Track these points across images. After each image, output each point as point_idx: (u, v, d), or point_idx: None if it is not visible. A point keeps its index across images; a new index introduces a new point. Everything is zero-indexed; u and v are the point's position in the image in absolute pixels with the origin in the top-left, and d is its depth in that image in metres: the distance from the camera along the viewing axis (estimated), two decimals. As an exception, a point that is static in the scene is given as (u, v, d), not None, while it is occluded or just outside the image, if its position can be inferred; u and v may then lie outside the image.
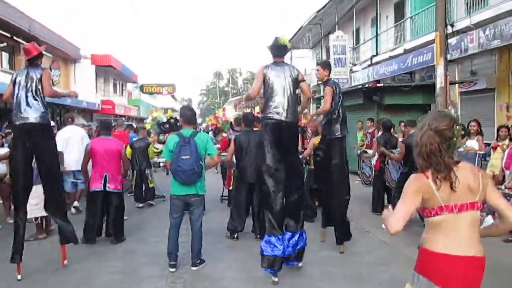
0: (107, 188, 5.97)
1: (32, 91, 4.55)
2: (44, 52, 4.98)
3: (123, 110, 28.81)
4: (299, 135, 7.35)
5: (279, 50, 4.76)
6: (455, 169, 2.15)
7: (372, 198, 8.01)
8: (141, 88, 36.28)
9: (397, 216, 2.17)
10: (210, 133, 19.18)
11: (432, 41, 10.72)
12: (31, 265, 4.94)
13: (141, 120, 28.82)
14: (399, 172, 7.42)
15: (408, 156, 6.53)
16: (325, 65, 5.74)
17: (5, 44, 16.72)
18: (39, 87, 4.58)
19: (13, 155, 4.71)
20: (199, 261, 4.98)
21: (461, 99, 12.14)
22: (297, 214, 4.76)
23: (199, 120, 76.25)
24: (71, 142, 7.67)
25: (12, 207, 7.26)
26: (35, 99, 4.56)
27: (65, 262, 5.02)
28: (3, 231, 6.72)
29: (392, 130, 8.32)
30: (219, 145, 8.85)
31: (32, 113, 4.52)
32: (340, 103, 5.39)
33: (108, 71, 27.83)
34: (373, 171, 8.89)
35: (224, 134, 10.35)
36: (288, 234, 4.67)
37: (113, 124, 10.00)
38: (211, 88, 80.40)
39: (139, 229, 6.90)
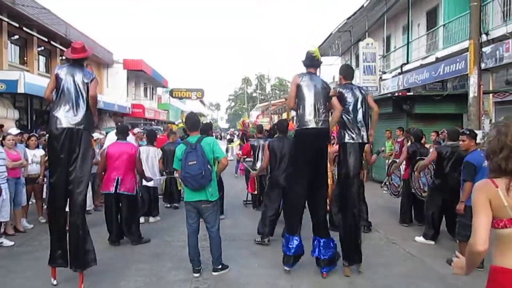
0: (118, 191, 6.12)
1: (80, 94, 4.42)
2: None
3: (153, 114, 29.37)
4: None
5: (312, 61, 4.99)
6: None
7: (400, 209, 7.82)
8: (171, 92, 36.89)
9: (480, 234, 2.00)
10: (235, 138, 19.35)
11: (466, 50, 10.45)
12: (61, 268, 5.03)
13: (170, 124, 29.25)
14: (428, 180, 7.21)
15: (439, 167, 6.38)
16: (339, 71, 5.59)
17: (42, 48, 17.39)
18: (86, 91, 4.45)
19: (52, 157, 4.52)
20: (220, 266, 4.97)
21: (495, 109, 11.74)
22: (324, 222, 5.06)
23: (226, 125, 77.27)
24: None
25: (45, 206, 7.58)
26: (83, 103, 4.43)
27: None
28: (35, 230, 6.98)
29: (423, 140, 8.14)
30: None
31: (78, 117, 4.38)
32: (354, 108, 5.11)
33: (139, 75, 28.48)
34: (402, 181, 8.70)
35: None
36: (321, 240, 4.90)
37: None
38: (239, 94, 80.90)
39: (167, 233, 7.00)
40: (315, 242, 4.93)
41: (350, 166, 4.91)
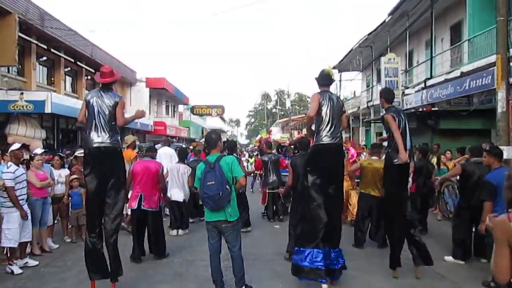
0: (142, 207, 6.36)
1: (105, 116, 4.74)
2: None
3: (174, 131, 29.71)
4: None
5: (326, 80, 5.29)
6: None
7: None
8: (192, 109, 37.32)
9: (500, 268, 2.03)
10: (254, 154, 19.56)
11: (492, 64, 10.22)
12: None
13: (191, 141, 29.51)
14: (455, 201, 7.10)
15: (465, 185, 6.28)
16: (380, 93, 5.83)
17: (69, 68, 17.89)
18: (113, 113, 4.77)
19: (87, 178, 4.77)
20: (244, 287, 4.86)
21: (524, 124, 11.41)
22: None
23: (245, 141, 77.55)
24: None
25: (70, 226, 7.67)
26: (109, 124, 4.75)
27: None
28: (60, 250, 7.04)
29: (428, 155, 8.66)
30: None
31: (105, 137, 4.71)
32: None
33: (161, 93, 28.94)
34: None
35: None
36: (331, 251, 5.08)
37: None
38: (259, 110, 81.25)
39: (189, 252, 6.96)
40: (332, 254, 5.08)
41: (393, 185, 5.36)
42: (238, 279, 4.82)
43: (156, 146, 10.80)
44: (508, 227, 1.98)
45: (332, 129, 5.02)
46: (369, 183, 7.16)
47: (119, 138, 4.88)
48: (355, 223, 7.60)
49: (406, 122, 5.34)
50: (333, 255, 5.07)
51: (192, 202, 9.23)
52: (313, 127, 5.28)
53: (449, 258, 6.30)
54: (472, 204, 5.94)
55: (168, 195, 7.84)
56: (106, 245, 4.82)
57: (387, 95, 5.61)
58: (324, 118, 5.04)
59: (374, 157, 7.43)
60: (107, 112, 4.75)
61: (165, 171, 7.54)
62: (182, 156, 8.73)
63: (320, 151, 5.11)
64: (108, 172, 4.76)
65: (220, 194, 4.48)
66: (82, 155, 8.29)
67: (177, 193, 8.17)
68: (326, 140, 5.01)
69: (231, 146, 8.60)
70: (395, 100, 16.73)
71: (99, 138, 4.70)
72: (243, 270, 4.85)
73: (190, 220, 9.22)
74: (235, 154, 8.57)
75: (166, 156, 9.60)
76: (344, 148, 6.19)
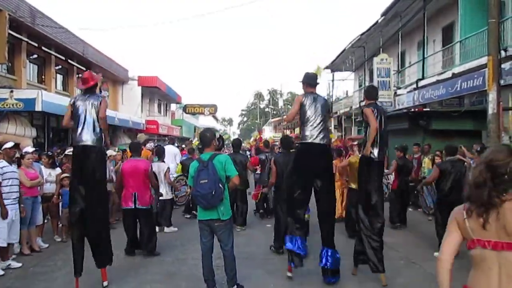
0: (136, 206, 6.47)
1: (91, 117, 4.97)
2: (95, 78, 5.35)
3: (167, 130, 29.54)
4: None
5: (310, 82, 5.44)
6: (501, 208, 1.97)
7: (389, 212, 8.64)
8: (184, 108, 37.14)
9: (443, 246, 2.23)
10: (247, 152, 19.66)
11: (483, 66, 10.30)
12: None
13: (184, 140, 29.40)
14: (434, 198, 7.99)
15: (442, 183, 6.72)
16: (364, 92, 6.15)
17: (60, 66, 17.72)
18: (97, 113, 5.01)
19: (72, 175, 5.10)
20: (235, 286, 4.87)
21: (514, 126, 11.51)
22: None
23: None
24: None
25: (60, 225, 7.60)
26: (94, 125, 4.97)
27: (105, 283, 5.12)
28: (50, 249, 6.97)
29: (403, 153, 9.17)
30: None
31: (89, 137, 4.92)
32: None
33: (153, 92, 28.77)
34: (389, 190, 9.92)
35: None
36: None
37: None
38: (252, 109, 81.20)
39: (181, 250, 6.95)
40: (323, 252, 5.19)
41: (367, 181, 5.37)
42: (230, 278, 4.83)
43: (148, 145, 10.79)
44: (461, 209, 2.13)
45: (316, 129, 5.14)
46: (356, 179, 7.25)
47: (103, 137, 5.10)
48: (346, 217, 8.16)
49: (384, 121, 5.39)
50: (330, 255, 5.14)
51: (189, 198, 9.37)
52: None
53: (437, 254, 6.34)
54: (449, 200, 6.26)
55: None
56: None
57: (367, 93, 5.82)
58: (308, 119, 5.19)
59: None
60: (93, 112, 4.97)
61: (170, 169, 8.04)
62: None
63: (303, 150, 5.30)
64: (92, 170, 4.95)
65: (213, 192, 4.47)
66: (69, 155, 8.26)
67: (162, 191, 8.12)
68: (309, 140, 5.15)
69: (237, 144, 9.02)
70: (387, 100, 16.98)
71: (85, 137, 4.91)
72: (235, 269, 4.85)
73: (187, 216, 9.49)
74: (241, 152, 9.31)
75: (169, 155, 9.51)
76: (333, 147, 6.36)
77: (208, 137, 4.90)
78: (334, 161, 8.67)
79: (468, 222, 2.06)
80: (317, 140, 5.14)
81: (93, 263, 5.10)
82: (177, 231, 8.40)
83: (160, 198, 7.96)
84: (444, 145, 10.44)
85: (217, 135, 6.94)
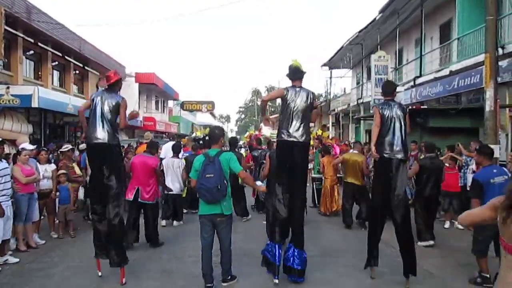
0: (139, 199, 6.71)
1: (106, 115, 5.08)
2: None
3: (164, 126, 29.50)
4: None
5: (294, 74, 5.26)
6: None
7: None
8: (182, 105, 37.09)
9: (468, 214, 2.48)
10: (242, 150, 19.82)
11: (481, 63, 10.32)
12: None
13: (181, 136, 29.35)
14: (413, 191, 8.38)
15: (420, 178, 7.22)
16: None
17: (56, 62, 17.63)
18: (114, 112, 5.14)
19: (89, 165, 5.52)
20: (229, 277, 5.05)
21: (511, 123, 11.53)
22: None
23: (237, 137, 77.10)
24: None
25: (57, 221, 7.59)
26: (108, 123, 5.08)
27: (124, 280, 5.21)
28: (47, 246, 6.94)
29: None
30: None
31: (104, 134, 5.04)
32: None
33: (150, 88, 28.71)
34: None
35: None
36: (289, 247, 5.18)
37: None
38: (249, 106, 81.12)
39: (178, 248, 6.93)
40: (290, 251, 5.13)
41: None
42: (225, 270, 5.03)
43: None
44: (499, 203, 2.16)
45: (294, 126, 5.08)
46: (351, 174, 8.41)
47: (118, 135, 5.22)
48: (342, 209, 8.71)
49: (398, 117, 5.12)
50: (296, 254, 5.08)
51: (190, 196, 9.54)
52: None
53: (421, 244, 6.78)
54: (426, 193, 7.04)
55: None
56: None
57: (384, 87, 5.57)
58: (288, 114, 5.11)
59: (355, 151, 8.79)
60: (107, 110, 5.09)
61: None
62: (177, 151, 8.89)
63: (280, 146, 5.28)
64: (107, 166, 5.08)
65: (219, 187, 4.63)
66: (67, 150, 8.22)
67: (173, 186, 8.37)
68: (286, 137, 5.11)
69: (233, 142, 9.46)
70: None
71: (99, 135, 5.03)
72: (230, 262, 5.03)
73: (184, 211, 9.53)
74: (237, 150, 9.70)
75: (170, 151, 9.58)
76: (313, 145, 6.48)
77: (217, 134, 5.11)
78: (323, 158, 9.75)
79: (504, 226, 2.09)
80: (293, 138, 5.08)
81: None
82: (180, 225, 8.66)
83: (173, 192, 8.35)
84: (441, 143, 10.52)
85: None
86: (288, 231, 5.42)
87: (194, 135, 15.75)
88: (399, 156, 5.04)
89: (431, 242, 6.98)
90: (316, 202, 10.36)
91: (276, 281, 5.07)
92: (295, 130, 5.08)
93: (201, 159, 4.86)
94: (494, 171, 5.17)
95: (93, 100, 5.17)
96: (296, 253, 5.09)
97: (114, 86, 5.30)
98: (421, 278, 5.39)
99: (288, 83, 5.37)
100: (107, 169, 5.08)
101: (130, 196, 6.64)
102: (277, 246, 5.15)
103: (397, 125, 5.10)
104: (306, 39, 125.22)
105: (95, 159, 5.22)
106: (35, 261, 6.11)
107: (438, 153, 10.44)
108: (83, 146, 10.43)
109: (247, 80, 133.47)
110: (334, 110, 28.56)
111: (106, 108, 5.08)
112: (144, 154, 7.17)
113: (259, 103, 77.77)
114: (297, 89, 5.18)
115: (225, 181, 4.72)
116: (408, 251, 5.10)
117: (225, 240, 4.92)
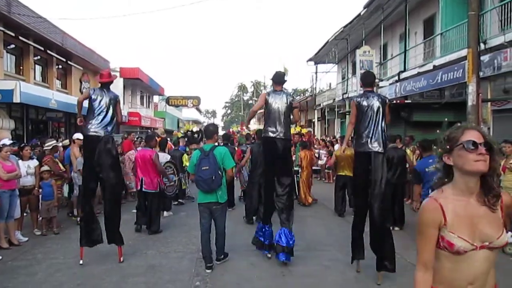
0: (143, 189, 7.55)
1: (105, 110, 5.59)
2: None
3: (149, 122, 29.24)
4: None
5: (278, 80, 5.95)
6: None
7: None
8: (167, 100, 36.81)
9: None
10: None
11: (463, 58, 10.46)
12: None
13: (167, 132, 29.14)
14: None
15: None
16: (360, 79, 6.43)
17: (39, 57, 17.31)
18: (112, 109, 5.67)
19: (84, 161, 5.85)
20: (222, 256, 5.75)
21: (493, 117, 11.72)
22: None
23: (222, 132, 76.89)
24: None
25: (40, 218, 7.48)
26: (107, 117, 5.60)
27: (122, 258, 5.83)
28: (30, 243, 6.84)
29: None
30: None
31: (102, 128, 5.54)
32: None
33: (135, 83, 28.38)
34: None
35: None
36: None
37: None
38: (236, 101, 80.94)
39: (163, 243, 6.90)
40: (280, 231, 5.69)
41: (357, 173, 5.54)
42: (219, 249, 5.73)
43: (129, 137, 10.82)
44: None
45: (277, 125, 5.69)
46: (343, 167, 9.11)
47: (113, 128, 5.73)
48: (335, 199, 9.41)
49: (378, 108, 5.05)
50: (284, 234, 5.61)
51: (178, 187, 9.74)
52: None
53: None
54: (393, 182, 7.37)
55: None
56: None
57: (363, 78, 5.50)
58: (270, 114, 5.74)
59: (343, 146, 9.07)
60: (107, 105, 5.60)
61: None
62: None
63: (265, 142, 5.96)
64: (103, 156, 5.50)
65: (213, 178, 5.23)
66: (50, 148, 8.11)
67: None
68: (270, 134, 5.73)
69: (227, 137, 10.34)
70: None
71: (97, 128, 5.51)
72: (224, 242, 5.73)
73: (174, 203, 9.92)
74: (229, 144, 10.20)
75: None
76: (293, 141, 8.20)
77: (211, 130, 5.75)
78: (300, 153, 10.50)
79: None
80: (276, 135, 5.68)
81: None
82: (169, 216, 9.09)
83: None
84: (425, 136, 10.66)
85: (198, 129, 8.09)
86: (274, 210, 6.00)
87: (185, 129, 15.49)
88: (376, 149, 5.03)
89: (396, 228, 7.62)
90: (296, 194, 10.47)
91: (269, 255, 5.91)
92: (278, 128, 5.69)
93: (197, 154, 5.46)
94: (430, 161, 5.62)
95: (91, 97, 5.62)
96: (286, 232, 5.61)
97: (107, 85, 5.81)
98: (403, 271, 5.35)
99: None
100: (105, 157, 5.51)
101: (137, 187, 7.68)
102: (266, 227, 5.97)
103: (375, 117, 5.05)
104: (291, 34, 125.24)
105: (92, 151, 5.55)
106: (17, 258, 6.02)
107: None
108: (66, 142, 10.29)
109: (233, 75, 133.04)
110: (319, 105, 28.67)
111: (107, 104, 5.60)
112: (144, 148, 8.07)
113: (245, 98, 77.68)
114: (278, 92, 5.84)
115: (219, 173, 5.29)
116: (381, 245, 5.06)
117: (221, 224, 5.58)
